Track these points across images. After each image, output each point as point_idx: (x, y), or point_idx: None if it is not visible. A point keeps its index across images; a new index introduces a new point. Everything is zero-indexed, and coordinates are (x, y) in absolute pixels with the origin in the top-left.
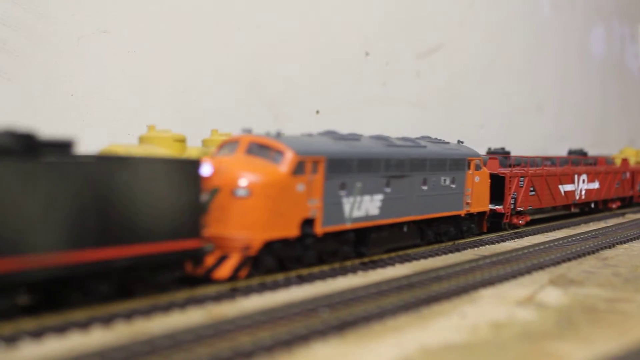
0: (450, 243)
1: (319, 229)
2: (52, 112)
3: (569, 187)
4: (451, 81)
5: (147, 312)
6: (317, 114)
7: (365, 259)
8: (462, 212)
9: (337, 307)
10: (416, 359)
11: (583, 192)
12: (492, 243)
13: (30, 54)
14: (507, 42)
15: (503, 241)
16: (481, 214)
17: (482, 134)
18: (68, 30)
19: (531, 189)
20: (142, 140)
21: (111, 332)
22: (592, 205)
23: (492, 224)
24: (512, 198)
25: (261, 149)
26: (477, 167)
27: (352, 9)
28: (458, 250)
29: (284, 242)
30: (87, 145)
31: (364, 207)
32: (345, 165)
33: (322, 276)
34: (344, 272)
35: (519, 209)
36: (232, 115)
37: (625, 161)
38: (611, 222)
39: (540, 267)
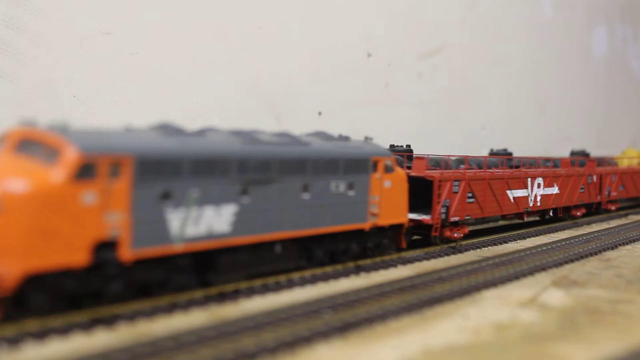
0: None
1: (127, 253)
2: (55, 113)
3: (519, 193)
4: (453, 82)
5: (150, 313)
6: (319, 115)
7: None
8: (366, 226)
9: (340, 308)
10: None
11: (538, 198)
12: (495, 244)
13: (32, 56)
14: (508, 43)
15: (505, 242)
16: (397, 227)
17: (484, 135)
18: (70, 31)
19: (469, 195)
20: None
21: (114, 333)
22: (551, 213)
23: (424, 237)
24: (442, 206)
25: (34, 146)
26: (388, 169)
27: (354, 10)
28: (460, 251)
29: (68, 274)
30: None
31: (206, 222)
32: (170, 167)
33: (325, 278)
34: (346, 273)
35: (452, 219)
36: (235, 116)
37: (591, 163)
38: (614, 223)
39: (543, 268)
